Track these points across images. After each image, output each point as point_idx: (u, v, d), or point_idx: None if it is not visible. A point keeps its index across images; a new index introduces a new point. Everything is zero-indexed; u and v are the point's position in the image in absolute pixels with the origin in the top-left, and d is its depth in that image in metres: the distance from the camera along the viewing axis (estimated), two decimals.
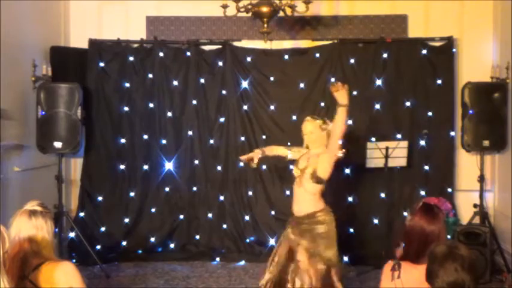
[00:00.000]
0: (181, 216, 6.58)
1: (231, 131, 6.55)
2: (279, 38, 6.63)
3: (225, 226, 6.55)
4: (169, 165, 6.56)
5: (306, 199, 4.25)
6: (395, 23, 6.65)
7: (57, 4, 6.64)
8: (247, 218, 6.51)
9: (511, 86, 6.09)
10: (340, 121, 4.08)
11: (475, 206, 6.08)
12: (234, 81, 6.56)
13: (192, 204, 6.58)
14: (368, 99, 6.44)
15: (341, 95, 4.03)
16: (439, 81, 6.44)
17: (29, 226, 2.71)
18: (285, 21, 6.46)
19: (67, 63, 6.44)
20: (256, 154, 4.58)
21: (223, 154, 6.57)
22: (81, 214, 6.42)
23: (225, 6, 5.40)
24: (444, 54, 6.47)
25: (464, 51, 6.59)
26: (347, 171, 6.43)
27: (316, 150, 4.30)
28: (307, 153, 4.37)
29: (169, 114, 6.59)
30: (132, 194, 6.55)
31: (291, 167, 4.66)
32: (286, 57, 6.57)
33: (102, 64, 6.52)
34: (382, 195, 6.39)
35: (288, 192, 6.02)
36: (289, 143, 5.44)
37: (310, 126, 4.32)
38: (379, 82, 6.45)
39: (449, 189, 6.40)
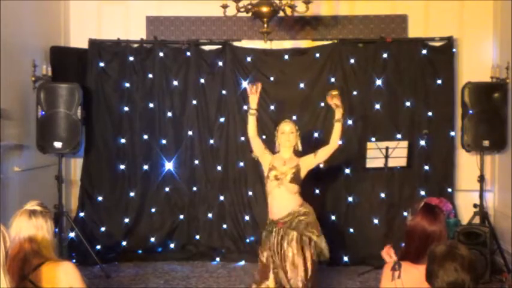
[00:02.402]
0: (181, 216, 6.58)
1: (231, 131, 6.55)
2: (279, 38, 6.63)
3: (225, 226, 6.55)
4: (169, 165, 6.56)
5: (289, 198, 4.53)
6: (395, 23, 6.66)
7: (57, 4, 6.64)
8: (247, 218, 6.51)
9: (511, 86, 6.10)
10: (338, 136, 4.61)
11: (475, 206, 6.08)
12: (234, 81, 6.56)
13: (192, 204, 6.58)
14: (368, 99, 6.45)
15: (339, 109, 4.55)
16: (439, 81, 6.44)
17: (29, 226, 2.71)
18: (285, 21, 6.46)
19: (67, 63, 6.44)
20: (255, 99, 4.64)
21: (223, 154, 6.57)
22: (81, 214, 6.42)
23: (225, 6, 5.40)
24: (444, 54, 6.47)
25: (464, 51, 6.60)
26: (347, 171, 6.44)
27: (287, 153, 4.65)
28: (278, 157, 4.66)
29: (169, 114, 6.59)
30: (132, 194, 6.55)
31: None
32: (286, 57, 6.57)
33: (102, 64, 6.52)
34: (382, 195, 6.39)
35: None
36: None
37: (291, 127, 4.66)
38: (379, 82, 6.45)
39: (449, 189, 6.40)
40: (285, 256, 4.42)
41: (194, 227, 6.57)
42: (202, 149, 6.58)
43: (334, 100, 4.58)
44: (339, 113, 4.57)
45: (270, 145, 5.04)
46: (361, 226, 6.40)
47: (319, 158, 4.67)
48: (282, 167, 4.56)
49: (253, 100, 4.63)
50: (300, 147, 4.68)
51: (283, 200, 4.53)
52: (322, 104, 6.39)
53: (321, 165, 5.61)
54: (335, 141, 4.61)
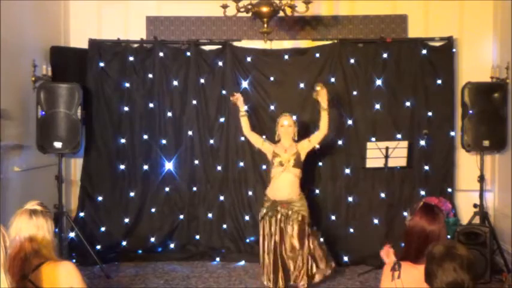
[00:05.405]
0: (181, 216, 6.58)
1: (231, 131, 6.54)
2: (279, 38, 6.63)
3: (225, 226, 6.55)
4: (169, 165, 6.56)
5: (292, 182, 5.20)
6: (395, 23, 6.66)
7: (57, 4, 6.64)
8: (247, 218, 6.51)
9: (511, 86, 6.10)
10: (326, 123, 5.30)
11: (475, 206, 6.08)
12: (234, 81, 6.56)
13: (192, 204, 6.58)
14: (368, 99, 6.45)
15: (323, 99, 5.25)
16: (439, 81, 6.44)
17: (30, 225, 2.71)
18: (285, 21, 6.46)
19: (67, 63, 6.44)
20: (241, 104, 5.48)
21: (223, 154, 6.57)
22: (81, 214, 6.42)
23: (225, 6, 5.40)
24: (444, 54, 6.47)
25: (464, 51, 6.60)
26: (347, 171, 6.44)
27: (287, 141, 5.33)
28: (280, 145, 5.33)
29: (169, 114, 6.59)
30: (132, 194, 6.55)
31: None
32: (286, 57, 6.57)
33: (102, 64, 6.52)
34: (382, 195, 6.39)
35: None
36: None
37: (290, 120, 5.36)
38: (379, 82, 6.45)
39: (449, 189, 6.40)
40: (286, 233, 5.10)
41: (194, 227, 6.57)
42: (202, 149, 6.58)
43: (320, 95, 5.27)
44: (324, 103, 5.27)
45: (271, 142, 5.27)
46: (361, 226, 6.40)
47: (313, 142, 5.38)
48: (284, 155, 5.23)
49: (240, 105, 5.46)
50: (296, 138, 5.35)
51: (287, 184, 5.19)
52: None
53: (319, 163, 6.25)
54: (325, 127, 5.32)
